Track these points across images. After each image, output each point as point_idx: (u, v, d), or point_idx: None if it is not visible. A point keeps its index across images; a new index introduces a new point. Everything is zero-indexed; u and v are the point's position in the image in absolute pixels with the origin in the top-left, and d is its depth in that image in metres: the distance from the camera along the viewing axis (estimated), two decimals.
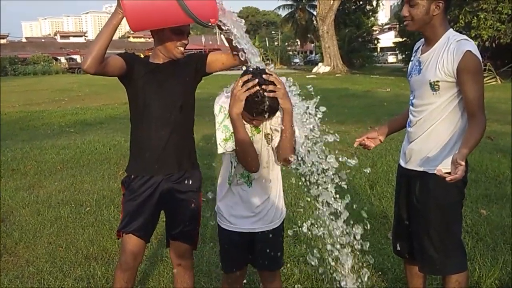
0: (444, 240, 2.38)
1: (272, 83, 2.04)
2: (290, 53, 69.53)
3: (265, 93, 2.02)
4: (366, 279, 2.76)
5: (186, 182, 2.51)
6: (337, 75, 33.21)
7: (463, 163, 1.98)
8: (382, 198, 4.97)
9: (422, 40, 2.48)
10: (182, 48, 2.44)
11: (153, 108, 2.44)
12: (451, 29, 2.37)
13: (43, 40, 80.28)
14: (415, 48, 2.56)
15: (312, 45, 61.31)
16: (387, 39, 61.82)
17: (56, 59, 60.29)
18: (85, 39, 75.70)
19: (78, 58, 60.66)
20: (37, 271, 3.59)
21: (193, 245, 2.64)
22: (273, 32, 73.08)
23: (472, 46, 2.25)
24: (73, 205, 5.14)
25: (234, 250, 2.41)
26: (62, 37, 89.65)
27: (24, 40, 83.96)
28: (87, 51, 2.21)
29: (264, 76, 2.04)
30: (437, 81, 2.29)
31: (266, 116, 2.08)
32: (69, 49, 65.89)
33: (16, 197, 5.48)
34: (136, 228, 2.48)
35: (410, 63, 2.56)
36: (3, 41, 73.01)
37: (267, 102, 2.03)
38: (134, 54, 2.57)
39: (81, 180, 6.23)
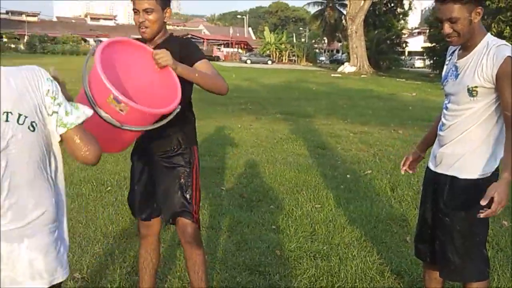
0: (468, 247, 2.35)
1: None
2: (317, 50, 69.19)
3: None
4: None
5: (176, 157, 2.51)
6: (362, 76, 32.95)
7: (500, 200, 2.00)
8: (402, 201, 4.92)
9: None
10: (142, 29, 2.37)
11: None
12: (489, 34, 2.32)
13: (73, 21, 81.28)
14: (449, 52, 2.51)
15: (339, 44, 60.93)
16: (416, 43, 61.04)
17: (85, 40, 61.06)
18: (114, 22, 76.25)
19: None
20: None
21: (194, 221, 2.52)
22: (301, 28, 72.85)
23: None
24: (94, 184, 5.20)
25: None
26: (92, 19, 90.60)
27: (54, 19, 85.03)
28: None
29: None
30: (476, 87, 2.24)
31: None
32: (98, 32, 66.57)
33: None
34: (136, 212, 2.66)
35: (445, 67, 2.52)
36: (34, 19, 74.10)
37: None
38: None
39: (103, 160, 6.29)
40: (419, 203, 4.44)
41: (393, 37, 44.77)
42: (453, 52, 2.47)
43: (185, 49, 2.44)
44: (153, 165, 2.56)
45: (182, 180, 2.49)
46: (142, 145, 2.55)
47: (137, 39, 2.49)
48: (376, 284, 3.20)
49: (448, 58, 2.50)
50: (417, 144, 2.77)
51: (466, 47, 2.33)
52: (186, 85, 2.37)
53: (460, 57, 2.37)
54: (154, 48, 2.38)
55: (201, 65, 2.42)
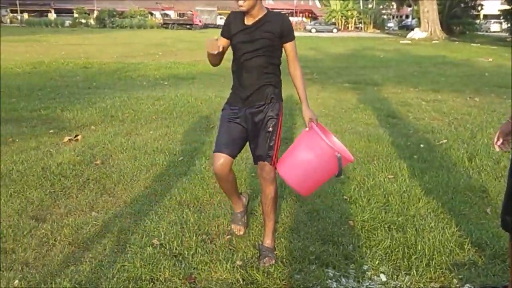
0: None
1: None
2: (385, 16, 66.73)
3: None
4: None
5: (266, 109, 3.03)
6: (433, 41, 31.51)
7: None
8: (481, 171, 4.67)
9: None
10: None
11: (243, 59, 3.00)
12: None
13: None
14: None
15: (409, 9, 58.27)
16: (492, 5, 57.30)
17: (151, 14, 62.23)
18: None
19: (172, 13, 62.21)
20: (134, 212, 3.78)
21: (272, 164, 3.03)
22: None
23: None
24: (167, 154, 5.33)
25: None
26: None
27: None
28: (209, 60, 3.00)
29: None
30: None
31: None
32: (164, 5, 67.54)
33: (115, 142, 5.77)
34: (220, 147, 3.03)
35: None
36: None
37: None
38: (231, 18, 3.06)
39: (174, 131, 6.43)
40: (499, 173, 4.24)
41: (467, 0, 42.27)
42: None
43: (286, 29, 2.98)
44: (247, 115, 3.05)
45: (270, 128, 3.01)
46: (240, 98, 3.06)
47: (233, 12, 3.06)
48: (456, 257, 3.08)
49: None
50: (510, 115, 2.56)
51: None
52: (278, 52, 3.03)
53: None
54: (257, 21, 2.95)
55: (290, 45, 3.02)
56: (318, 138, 2.82)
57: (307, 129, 2.94)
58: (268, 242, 3.14)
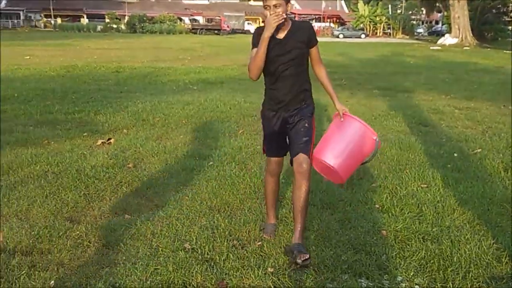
0: None
1: None
2: (414, 22, 65.96)
3: None
4: None
5: (303, 111, 3.28)
6: (464, 48, 31.01)
7: None
8: None
9: None
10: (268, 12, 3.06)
11: (279, 70, 3.20)
12: None
13: (169, 0, 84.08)
14: None
15: (439, 14, 57.47)
16: None
17: (180, 19, 62.92)
18: (208, 0, 77.89)
19: (200, 19, 62.82)
20: (166, 216, 3.80)
21: (309, 157, 3.21)
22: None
23: None
24: (197, 158, 5.36)
25: None
26: None
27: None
28: (252, 65, 3.12)
29: None
30: None
31: None
32: (193, 10, 68.19)
33: (146, 146, 5.83)
34: (273, 153, 3.44)
35: None
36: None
37: None
38: (261, 31, 3.12)
39: (204, 135, 6.47)
40: None
41: (499, 5, 41.50)
42: None
43: (311, 35, 3.24)
44: (285, 118, 3.28)
45: (307, 125, 3.25)
46: (276, 104, 3.28)
47: (261, 27, 3.17)
48: (493, 270, 3.00)
49: None
50: None
51: None
52: (306, 59, 3.27)
53: None
54: (288, 33, 3.16)
55: (315, 49, 3.28)
56: (355, 121, 3.18)
57: (342, 119, 3.23)
58: (298, 239, 3.14)
